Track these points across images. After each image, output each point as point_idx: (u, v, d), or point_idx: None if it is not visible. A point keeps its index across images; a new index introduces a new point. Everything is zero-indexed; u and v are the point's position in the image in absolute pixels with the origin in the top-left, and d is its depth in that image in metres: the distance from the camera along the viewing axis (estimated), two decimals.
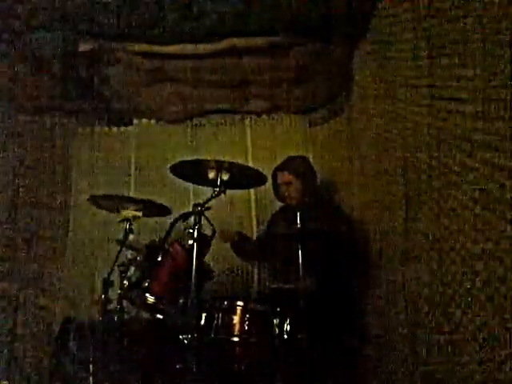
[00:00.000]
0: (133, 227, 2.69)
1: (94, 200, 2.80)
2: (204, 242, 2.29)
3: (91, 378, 2.45)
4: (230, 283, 3.62)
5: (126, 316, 2.63)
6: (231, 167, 2.22)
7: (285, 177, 3.10)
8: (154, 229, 3.37)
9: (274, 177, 3.15)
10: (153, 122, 3.94)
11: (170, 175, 2.40)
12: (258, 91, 3.70)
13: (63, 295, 3.61)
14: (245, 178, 2.35)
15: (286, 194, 3.11)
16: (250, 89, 3.68)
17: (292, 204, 3.09)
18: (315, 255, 2.61)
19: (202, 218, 2.17)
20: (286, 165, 3.13)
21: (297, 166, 3.12)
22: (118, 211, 2.73)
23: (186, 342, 2.07)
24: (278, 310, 2.39)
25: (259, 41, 3.27)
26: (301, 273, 2.46)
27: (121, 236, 2.68)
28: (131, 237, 2.69)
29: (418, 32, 2.27)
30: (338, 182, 3.62)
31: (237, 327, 2.32)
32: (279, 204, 3.34)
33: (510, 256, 1.55)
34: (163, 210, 2.73)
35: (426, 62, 2.17)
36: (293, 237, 2.63)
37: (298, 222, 2.54)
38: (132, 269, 2.49)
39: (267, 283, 3.48)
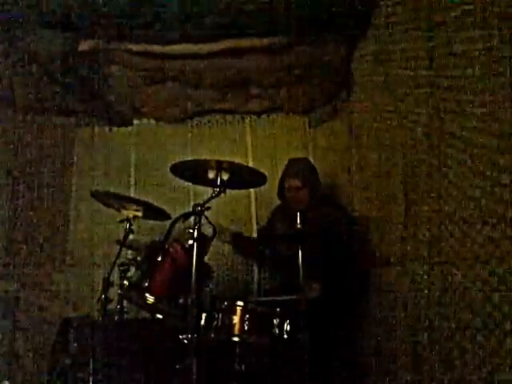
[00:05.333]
0: (133, 227, 2.69)
1: (97, 195, 2.81)
2: (204, 241, 2.29)
3: (91, 378, 2.45)
4: (230, 283, 3.62)
5: (125, 316, 2.63)
6: (231, 167, 2.21)
7: (294, 183, 3.05)
8: (154, 229, 3.37)
9: (281, 182, 3.13)
10: (153, 121, 3.94)
11: (170, 175, 2.40)
12: (258, 91, 3.69)
13: (63, 295, 3.62)
14: (245, 177, 2.35)
15: (294, 198, 3.07)
16: (250, 89, 3.67)
17: (299, 208, 3.01)
18: (316, 255, 2.61)
19: (202, 217, 2.17)
20: (295, 170, 3.09)
21: (305, 171, 3.09)
22: (119, 211, 2.74)
23: (185, 341, 2.07)
24: (278, 310, 2.39)
25: (259, 41, 3.27)
26: (301, 277, 2.45)
27: (121, 236, 2.68)
28: (131, 237, 2.69)
29: (418, 32, 2.27)
30: (338, 182, 3.62)
31: (237, 327, 2.32)
32: (278, 202, 3.33)
33: (509, 256, 1.55)
34: (163, 215, 2.74)
35: (426, 62, 2.17)
36: (293, 237, 2.63)
37: (298, 222, 2.54)
38: (132, 269, 2.49)
39: (267, 288, 3.49)
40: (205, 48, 3.31)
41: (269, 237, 3.31)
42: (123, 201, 2.70)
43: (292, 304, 2.42)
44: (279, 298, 2.66)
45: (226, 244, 3.47)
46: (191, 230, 2.13)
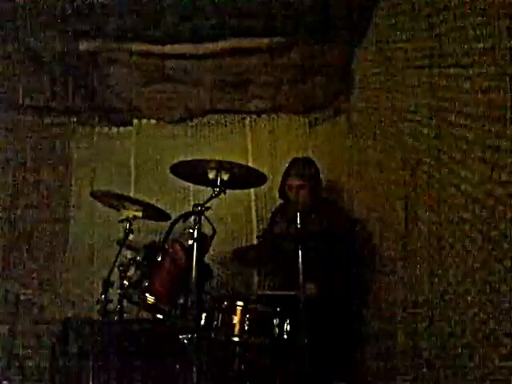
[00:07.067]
0: (133, 227, 2.69)
1: (97, 195, 2.82)
2: (204, 241, 2.29)
3: (91, 378, 2.45)
4: (230, 283, 3.62)
5: (125, 316, 2.63)
6: (231, 167, 2.22)
7: (296, 181, 3.05)
8: (154, 229, 3.37)
9: (283, 181, 3.13)
10: (153, 121, 3.93)
11: (170, 175, 2.40)
12: (258, 91, 3.69)
13: (63, 295, 3.61)
14: (245, 178, 2.35)
15: (296, 197, 3.06)
16: (250, 89, 3.68)
17: (301, 209, 2.99)
18: (315, 255, 2.61)
19: (202, 217, 2.17)
20: (297, 169, 3.09)
21: (307, 170, 3.09)
22: (119, 210, 2.74)
23: (185, 341, 2.07)
24: (278, 310, 2.39)
25: (259, 41, 3.27)
26: (301, 277, 2.45)
27: (121, 236, 2.68)
28: (131, 237, 2.69)
29: (418, 32, 2.27)
30: (338, 182, 3.62)
31: (237, 327, 2.32)
32: (278, 203, 3.33)
33: (509, 256, 1.55)
34: (163, 216, 2.74)
35: (426, 61, 2.17)
36: (293, 237, 2.63)
37: (298, 222, 2.54)
38: (132, 269, 2.49)
39: (266, 288, 3.49)
40: (205, 48, 3.31)
41: (269, 237, 3.31)
42: (123, 201, 2.71)
43: (292, 304, 2.42)
44: (279, 293, 2.77)
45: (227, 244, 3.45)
46: (191, 230, 2.13)
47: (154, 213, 2.75)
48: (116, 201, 2.71)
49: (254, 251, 3.26)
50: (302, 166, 3.11)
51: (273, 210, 3.45)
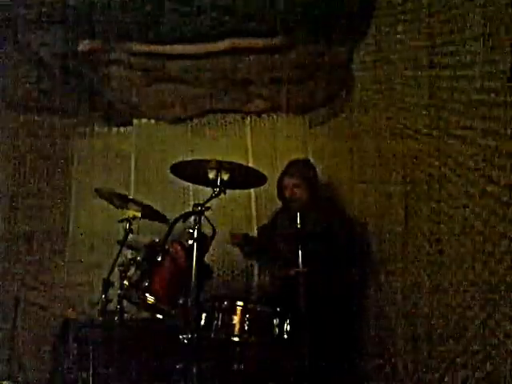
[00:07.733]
0: (133, 227, 2.69)
1: (100, 193, 2.83)
2: (204, 241, 2.29)
3: (91, 379, 2.45)
4: (230, 283, 3.62)
5: (125, 316, 2.63)
6: (231, 167, 2.22)
7: (291, 181, 3.07)
8: (154, 229, 3.37)
9: (280, 181, 3.14)
10: (153, 121, 3.93)
11: (170, 175, 2.40)
12: (258, 91, 3.69)
13: (63, 295, 3.62)
14: (245, 177, 2.35)
15: (293, 196, 3.07)
16: (250, 89, 3.67)
17: (299, 206, 3.01)
18: (315, 255, 2.61)
19: (202, 217, 2.17)
20: (292, 169, 3.10)
21: (301, 169, 3.11)
22: (121, 208, 2.75)
23: (185, 341, 2.07)
24: (278, 309, 2.40)
25: (259, 41, 3.26)
26: (301, 277, 2.46)
27: (121, 236, 2.68)
28: (131, 237, 2.69)
29: (418, 32, 2.27)
30: (338, 183, 3.62)
31: (237, 327, 2.32)
32: (278, 202, 3.33)
33: (509, 256, 1.55)
34: (161, 218, 2.75)
35: (426, 62, 2.17)
36: (293, 237, 2.63)
37: (298, 222, 2.55)
38: (132, 269, 2.49)
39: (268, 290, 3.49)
40: (205, 48, 3.31)
41: (269, 236, 3.31)
42: (125, 201, 2.71)
43: (293, 302, 2.43)
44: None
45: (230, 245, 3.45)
46: (191, 230, 2.13)
47: (152, 213, 2.75)
48: (119, 201, 2.73)
49: (253, 243, 3.26)
50: (296, 166, 3.12)
51: (273, 209, 3.45)
